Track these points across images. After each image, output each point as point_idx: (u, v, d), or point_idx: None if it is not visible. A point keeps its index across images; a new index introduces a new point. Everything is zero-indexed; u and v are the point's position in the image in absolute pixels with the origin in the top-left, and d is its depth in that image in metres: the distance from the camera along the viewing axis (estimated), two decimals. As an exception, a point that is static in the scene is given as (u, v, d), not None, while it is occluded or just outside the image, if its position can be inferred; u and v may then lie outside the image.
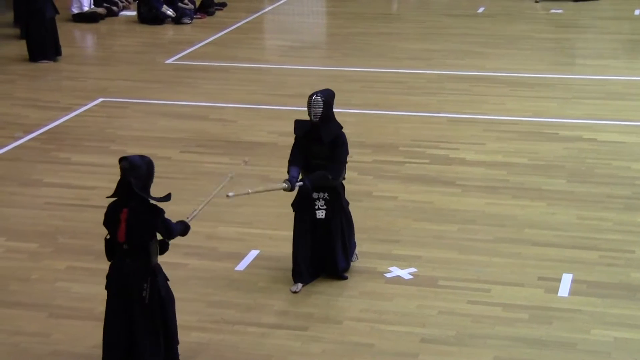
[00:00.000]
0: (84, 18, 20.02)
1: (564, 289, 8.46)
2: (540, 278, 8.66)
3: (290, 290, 8.47)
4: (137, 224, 6.71)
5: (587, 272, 8.75)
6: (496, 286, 8.52)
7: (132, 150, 11.54)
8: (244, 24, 20.03)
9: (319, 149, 8.29)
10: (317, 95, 8.23)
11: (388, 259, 9.07)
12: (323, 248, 8.56)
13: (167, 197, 6.86)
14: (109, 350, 6.95)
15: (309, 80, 15.06)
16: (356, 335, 7.80)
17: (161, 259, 6.97)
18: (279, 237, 9.38)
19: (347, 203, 8.65)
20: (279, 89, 14.88)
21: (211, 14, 20.78)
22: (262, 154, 11.88)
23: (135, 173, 6.68)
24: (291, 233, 8.59)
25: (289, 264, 8.64)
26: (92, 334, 7.60)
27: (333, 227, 8.48)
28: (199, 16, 20.49)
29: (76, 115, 13.76)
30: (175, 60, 16.92)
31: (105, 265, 7.05)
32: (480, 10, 20.82)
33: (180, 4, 20.17)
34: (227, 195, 7.55)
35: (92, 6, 20.36)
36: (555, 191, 10.63)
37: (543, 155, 11.70)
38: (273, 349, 7.61)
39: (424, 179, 11.06)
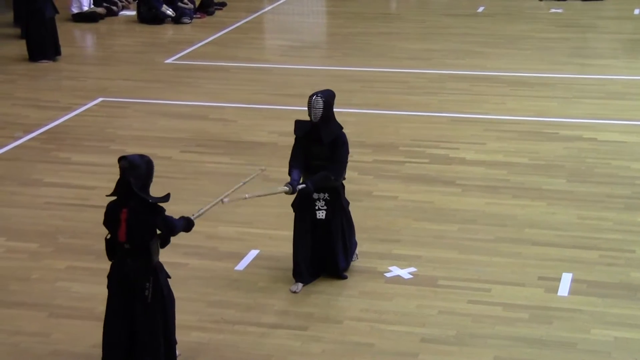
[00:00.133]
0: (83, 18, 20.03)
1: (564, 288, 8.46)
2: (540, 278, 8.66)
3: (290, 290, 8.47)
4: (138, 223, 6.71)
5: (587, 272, 8.75)
6: (496, 286, 8.52)
7: (132, 150, 11.54)
8: (243, 23, 20.03)
9: (319, 149, 8.29)
10: (317, 96, 8.22)
11: (388, 258, 9.07)
12: (323, 248, 8.56)
13: (166, 198, 6.85)
14: (109, 350, 6.95)
15: (309, 80, 15.06)
16: (356, 335, 7.80)
17: (161, 259, 6.97)
18: (279, 237, 9.37)
19: (348, 203, 8.64)
20: (279, 88, 14.87)
21: (211, 13, 20.78)
22: (262, 153, 11.89)
23: (135, 172, 6.68)
24: (291, 233, 8.58)
25: (289, 263, 8.64)
26: (93, 334, 7.60)
27: (333, 228, 8.48)
28: (199, 16, 20.49)
29: (76, 115, 13.76)
30: (175, 60, 16.92)
31: (105, 264, 7.06)
32: (480, 9, 20.82)
33: (180, 4, 20.17)
34: (222, 201, 7.54)
35: (92, 6, 20.36)
36: (556, 191, 10.63)
37: (543, 155, 11.70)
38: (273, 349, 7.61)
39: (424, 178, 11.06)
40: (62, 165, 11.78)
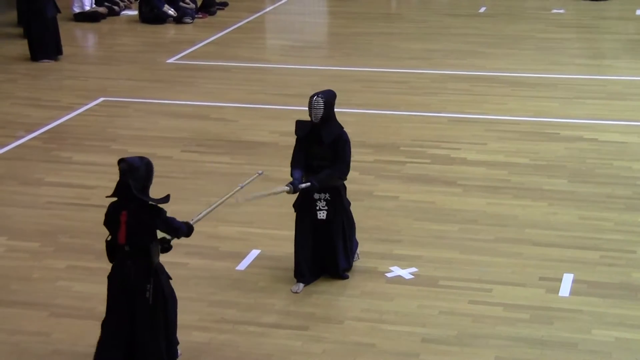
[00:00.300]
0: (85, 17, 20.03)
1: (565, 289, 8.46)
2: (541, 278, 8.66)
3: (292, 291, 8.47)
4: (137, 225, 6.70)
5: (588, 272, 8.75)
6: (497, 286, 8.52)
7: (133, 150, 11.57)
8: (245, 23, 20.03)
9: (319, 149, 8.29)
10: (317, 96, 8.22)
11: (389, 258, 9.07)
12: (324, 248, 8.56)
13: (165, 199, 6.84)
14: (106, 351, 6.91)
15: (311, 80, 15.06)
16: (357, 335, 7.80)
17: (162, 259, 6.97)
18: (280, 237, 9.37)
19: (349, 203, 8.64)
20: (280, 88, 14.87)
21: (212, 13, 20.79)
22: (263, 153, 11.89)
23: (134, 175, 6.67)
24: (292, 233, 8.59)
25: (290, 263, 8.64)
26: (93, 333, 7.57)
27: (334, 228, 8.48)
28: (200, 16, 20.49)
29: (77, 115, 13.77)
30: (177, 59, 16.93)
31: (106, 264, 7.06)
32: (482, 10, 20.82)
33: (181, 4, 20.17)
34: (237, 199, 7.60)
35: (94, 5, 20.36)
36: (557, 191, 10.62)
37: (544, 155, 11.70)
38: (274, 349, 7.61)
39: (425, 178, 11.06)
40: (63, 164, 11.78)
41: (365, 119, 13.20)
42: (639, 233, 9.56)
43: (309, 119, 8.31)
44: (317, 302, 8.31)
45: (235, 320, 8.03)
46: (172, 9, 19.95)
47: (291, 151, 8.43)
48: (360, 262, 8.89)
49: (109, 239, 6.87)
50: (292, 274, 8.59)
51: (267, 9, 21.64)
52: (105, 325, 6.96)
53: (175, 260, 8.73)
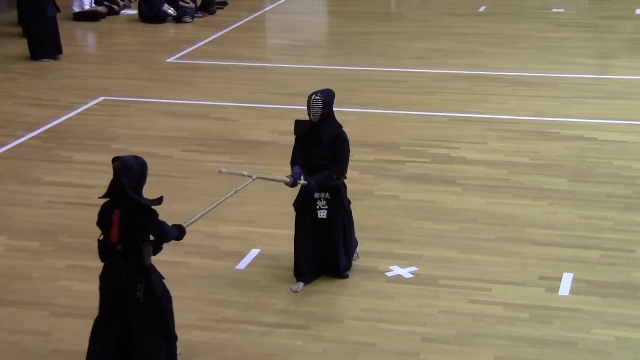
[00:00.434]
0: (85, 16, 20.03)
1: (565, 288, 8.46)
2: (541, 277, 8.66)
3: (292, 290, 8.47)
4: (130, 225, 6.67)
5: (588, 272, 8.75)
6: (497, 285, 8.52)
7: (133, 149, 11.55)
8: (245, 22, 20.03)
9: (319, 149, 8.29)
10: (316, 95, 8.22)
11: (389, 258, 9.07)
12: (324, 247, 8.56)
13: (159, 200, 6.80)
14: (98, 349, 6.87)
15: (310, 79, 15.05)
16: (357, 334, 7.80)
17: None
18: (280, 236, 9.37)
19: (349, 202, 8.65)
20: (280, 87, 14.87)
21: (212, 12, 20.79)
22: (263, 152, 11.89)
23: (128, 174, 6.65)
24: (292, 232, 8.59)
25: (290, 262, 8.64)
26: (93, 333, 7.60)
27: (334, 227, 8.48)
28: (200, 15, 20.49)
29: (77, 114, 13.77)
30: (177, 59, 16.92)
31: (106, 264, 7.06)
32: (482, 9, 20.82)
33: (181, 3, 20.17)
34: (220, 171, 7.58)
35: (93, 5, 20.37)
36: (557, 190, 10.63)
37: (544, 155, 11.70)
38: (274, 348, 7.61)
39: (425, 178, 11.06)
40: (63, 164, 11.78)
41: (365, 118, 13.20)
42: (639, 232, 9.56)
43: (308, 118, 8.31)
44: (317, 302, 8.31)
45: (235, 320, 8.03)
46: (172, 8, 19.95)
47: (291, 150, 8.43)
48: (360, 262, 8.89)
49: (101, 238, 6.85)
50: (292, 273, 8.60)
51: (267, 8, 21.64)
52: (96, 323, 6.93)
53: (175, 260, 8.74)
